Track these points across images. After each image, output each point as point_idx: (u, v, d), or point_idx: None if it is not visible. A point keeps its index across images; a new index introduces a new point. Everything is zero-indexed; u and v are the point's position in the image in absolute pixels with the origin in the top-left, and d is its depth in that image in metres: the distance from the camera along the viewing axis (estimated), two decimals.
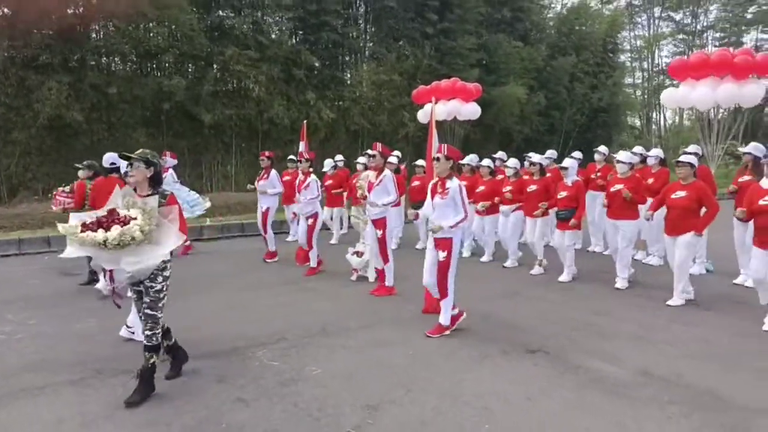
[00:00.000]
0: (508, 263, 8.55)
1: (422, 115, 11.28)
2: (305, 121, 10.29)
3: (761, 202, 5.45)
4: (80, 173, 7.66)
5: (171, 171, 9.75)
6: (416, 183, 9.87)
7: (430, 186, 5.63)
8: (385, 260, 6.95)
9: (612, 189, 7.24)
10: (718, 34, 35.16)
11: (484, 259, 9.01)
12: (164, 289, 4.00)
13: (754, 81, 7.32)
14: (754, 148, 7.06)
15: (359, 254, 7.49)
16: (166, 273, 4.01)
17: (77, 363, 4.63)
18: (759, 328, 5.44)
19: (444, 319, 5.40)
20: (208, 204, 9.65)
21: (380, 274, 7.13)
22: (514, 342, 5.13)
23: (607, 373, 4.39)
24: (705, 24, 35.42)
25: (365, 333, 5.42)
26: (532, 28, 25.56)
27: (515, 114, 22.13)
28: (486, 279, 7.83)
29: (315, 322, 5.75)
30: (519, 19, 24.26)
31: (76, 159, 14.77)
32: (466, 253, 9.25)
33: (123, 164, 7.15)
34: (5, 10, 14.43)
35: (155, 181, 4.02)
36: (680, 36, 35.98)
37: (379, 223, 6.85)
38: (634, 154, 9.10)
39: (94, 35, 16.08)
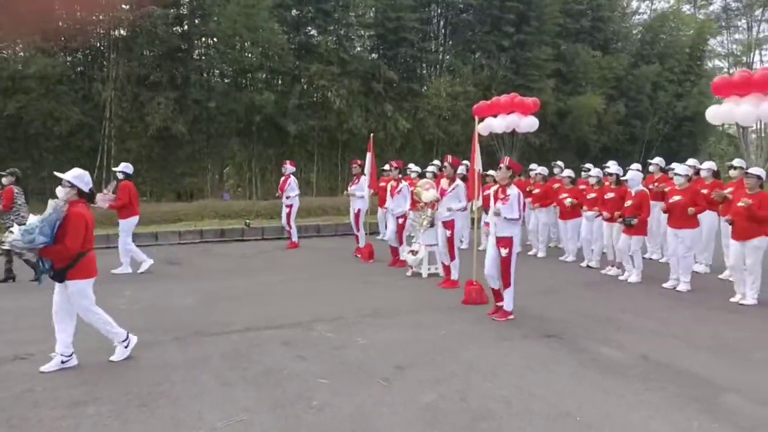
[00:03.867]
0: (592, 263, 9.44)
1: (482, 128, 11.99)
2: (372, 135, 11.34)
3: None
4: (4, 180, 8.10)
5: (292, 178, 11.33)
6: (487, 192, 10.66)
7: (491, 192, 6.38)
8: (452, 257, 7.83)
9: (671, 200, 7.74)
10: None
11: (568, 259, 10.03)
12: None
13: None
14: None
15: (414, 253, 8.42)
16: None
17: (176, 328, 5.89)
18: None
19: (507, 305, 6.20)
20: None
21: (446, 270, 8.01)
22: (536, 329, 5.88)
23: (608, 356, 5.06)
24: None
25: (409, 316, 6.35)
26: (613, 37, 25.39)
27: (591, 124, 22.17)
28: (532, 277, 8.51)
29: (369, 306, 6.77)
30: (599, 29, 24.23)
31: (180, 166, 16.97)
32: (541, 254, 10.54)
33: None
34: (123, 32, 16.64)
35: None
36: None
37: (449, 225, 7.76)
38: (689, 167, 9.47)
39: (196, 55, 18.14)
